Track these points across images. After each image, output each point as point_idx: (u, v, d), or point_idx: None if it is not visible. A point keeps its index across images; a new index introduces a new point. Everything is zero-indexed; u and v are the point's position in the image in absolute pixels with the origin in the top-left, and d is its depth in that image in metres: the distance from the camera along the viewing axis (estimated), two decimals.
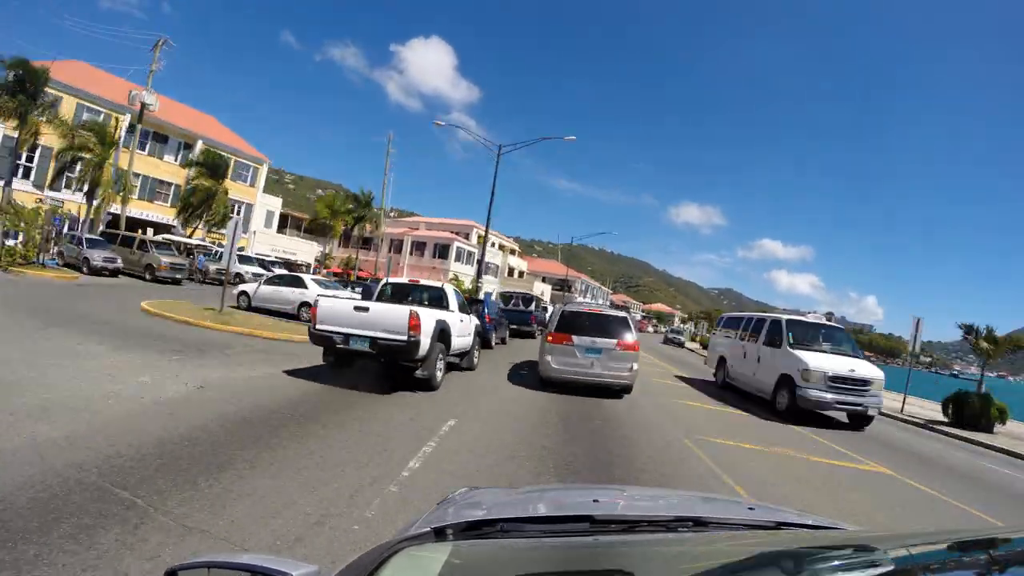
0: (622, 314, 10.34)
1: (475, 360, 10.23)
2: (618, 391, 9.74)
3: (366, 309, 7.40)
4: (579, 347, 9.60)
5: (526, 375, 10.85)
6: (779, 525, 1.37)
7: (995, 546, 1.05)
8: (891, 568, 0.98)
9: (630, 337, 9.77)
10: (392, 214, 51.99)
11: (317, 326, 7.40)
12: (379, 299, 9.41)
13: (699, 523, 1.31)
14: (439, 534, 1.17)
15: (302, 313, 14.44)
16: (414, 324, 7.17)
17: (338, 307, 7.59)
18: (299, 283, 15.59)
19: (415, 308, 7.42)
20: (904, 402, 16.13)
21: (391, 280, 11.55)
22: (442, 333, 7.72)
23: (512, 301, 23.47)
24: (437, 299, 9.52)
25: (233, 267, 14.25)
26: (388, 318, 7.29)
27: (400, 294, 9.94)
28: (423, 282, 10.69)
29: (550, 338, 9.75)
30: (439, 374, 7.79)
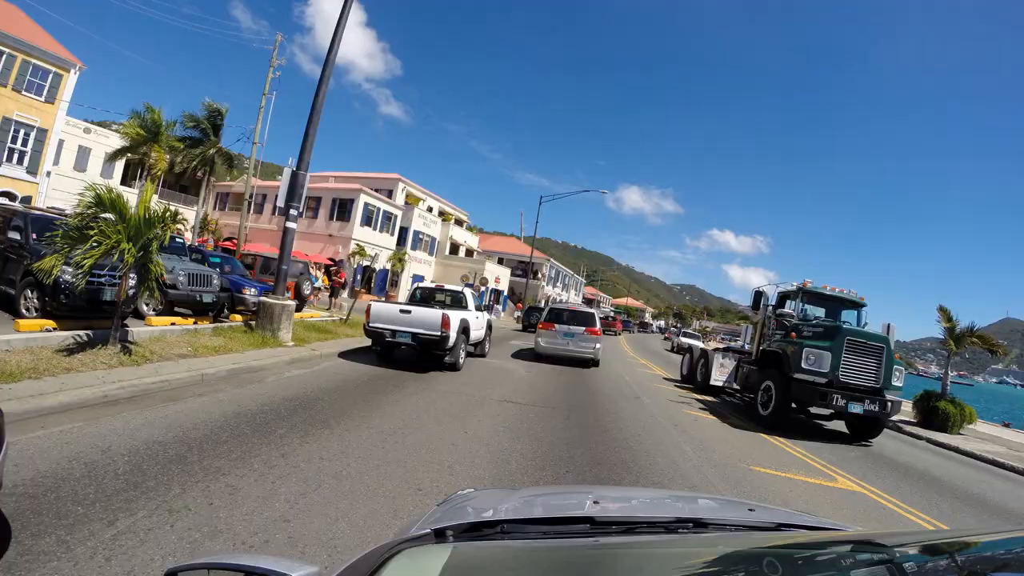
0: (591, 310, 16.32)
1: (487, 348, 14.54)
2: (587, 363, 14.89)
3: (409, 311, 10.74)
4: (559, 332, 15.14)
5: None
6: (779, 526, 1.42)
7: (996, 546, 1.07)
8: (891, 568, 0.99)
9: (595, 325, 15.30)
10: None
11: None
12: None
13: (699, 524, 1.35)
14: (439, 535, 1.19)
15: None
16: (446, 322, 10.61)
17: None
18: None
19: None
20: None
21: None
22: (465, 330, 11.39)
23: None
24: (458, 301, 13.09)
25: None
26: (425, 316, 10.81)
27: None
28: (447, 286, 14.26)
29: (540, 326, 15.39)
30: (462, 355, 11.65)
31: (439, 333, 10.27)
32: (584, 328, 14.68)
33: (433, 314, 10.38)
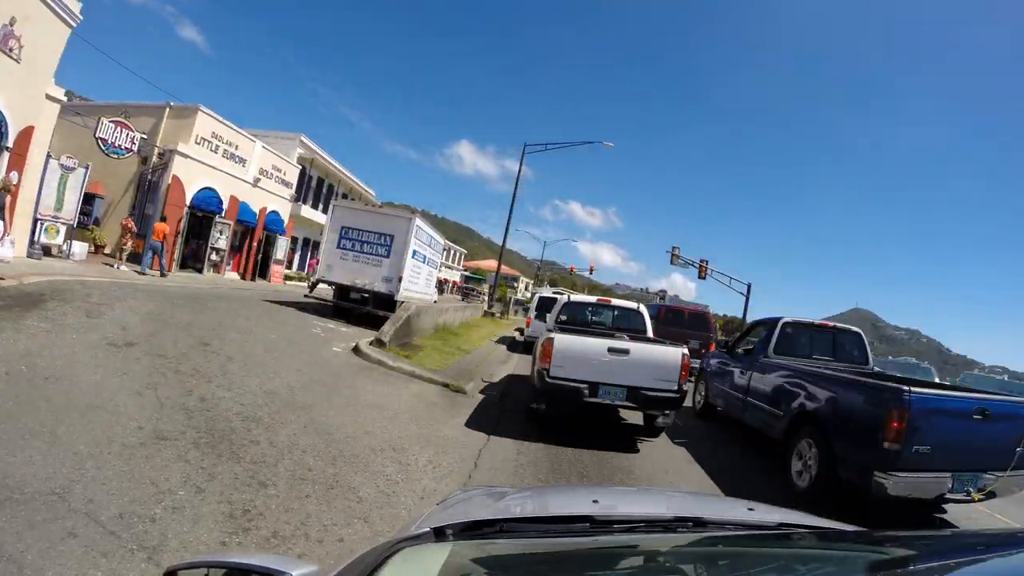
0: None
1: None
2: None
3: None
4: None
5: None
6: (779, 525, 1.50)
7: (994, 545, 1.14)
8: (891, 568, 1.05)
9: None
10: None
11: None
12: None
13: (699, 523, 1.41)
14: (439, 534, 1.25)
15: None
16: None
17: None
18: None
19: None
20: None
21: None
22: None
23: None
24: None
25: None
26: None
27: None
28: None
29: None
30: None
31: (676, 388, 7.39)
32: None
33: (670, 355, 7.46)
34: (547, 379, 7.46)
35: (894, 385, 5.84)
